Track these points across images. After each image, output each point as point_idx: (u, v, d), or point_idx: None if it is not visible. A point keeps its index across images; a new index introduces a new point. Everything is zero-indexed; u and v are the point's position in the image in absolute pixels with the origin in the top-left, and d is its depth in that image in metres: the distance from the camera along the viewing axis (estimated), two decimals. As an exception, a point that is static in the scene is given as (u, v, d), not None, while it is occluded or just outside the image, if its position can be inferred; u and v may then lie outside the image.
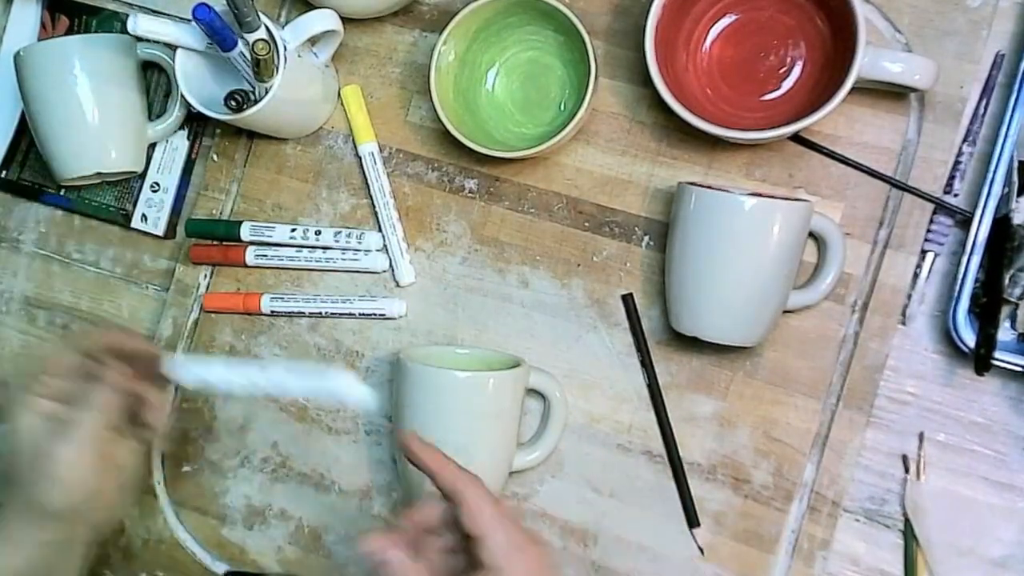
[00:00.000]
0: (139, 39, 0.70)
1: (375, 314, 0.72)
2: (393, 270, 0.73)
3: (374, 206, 0.73)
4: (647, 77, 0.64)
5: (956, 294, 0.62)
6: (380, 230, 0.73)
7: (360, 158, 0.74)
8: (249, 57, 0.66)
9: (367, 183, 0.74)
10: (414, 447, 0.55)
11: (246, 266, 0.75)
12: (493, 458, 0.66)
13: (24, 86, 0.73)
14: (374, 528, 0.54)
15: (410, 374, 0.65)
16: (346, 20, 0.70)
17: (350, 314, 0.73)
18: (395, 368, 0.67)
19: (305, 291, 0.74)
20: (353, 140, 0.74)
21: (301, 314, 0.74)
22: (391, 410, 0.72)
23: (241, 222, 0.75)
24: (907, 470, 0.65)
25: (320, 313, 0.73)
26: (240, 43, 0.66)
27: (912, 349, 0.66)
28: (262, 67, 0.66)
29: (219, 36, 0.64)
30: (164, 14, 0.77)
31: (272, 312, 0.74)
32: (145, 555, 0.75)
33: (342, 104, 0.75)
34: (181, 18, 0.77)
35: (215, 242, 0.76)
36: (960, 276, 0.62)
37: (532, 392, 0.69)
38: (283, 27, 0.69)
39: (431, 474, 0.54)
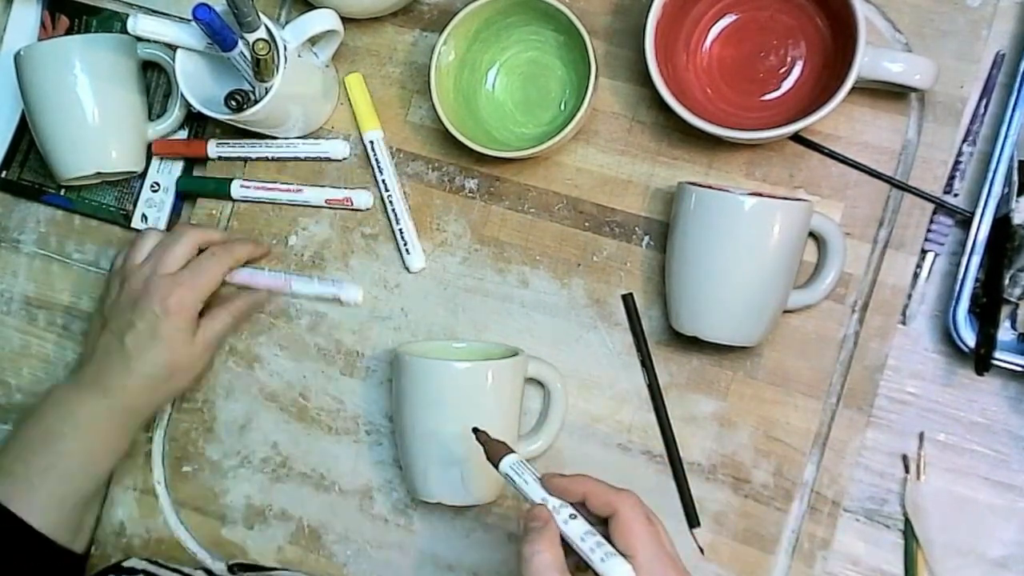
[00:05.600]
0: (139, 39, 0.70)
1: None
2: (403, 257, 0.73)
3: (381, 194, 0.73)
4: (647, 77, 0.64)
5: (956, 294, 0.62)
6: (389, 224, 0.73)
7: (365, 148, 0.74)
8: (249, 57, 0.66)
9: (373, 171, 0.74)
10: (561, 482, 0.53)
11: (208, 159, 0.77)
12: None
13: (24, 86, 0.73)
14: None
15: (409, 368, 0.65)
16: (346, 20, 0.70)
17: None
18: (394, 364, 0.67)
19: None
20: (358, 129, 0.74)
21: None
22: (391, 407, 0.72)
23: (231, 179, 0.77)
24: (907, 470, 0.65)
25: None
26: (240, 43, 0.66)
27: (912, 349, 0.66)
28: (262, 67, 0.66)
29: (219, 36, 0.64)
30: (164, 14, 0.77)
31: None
32: (145, 555, 0.75)
33: (345, 93, 0.75)
34: (181, 18, 0.77)
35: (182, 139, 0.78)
36: (960, 276, 0.62)
37: (531, 382, 0.69)
38: (283, 27, 0.69)
39: (584, 499, 0.52)
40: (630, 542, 0.50)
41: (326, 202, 0.74)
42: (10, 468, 0.66)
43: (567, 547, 0.51)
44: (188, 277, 0.69)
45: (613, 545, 0.50)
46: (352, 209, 0.74)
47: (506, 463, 0.54)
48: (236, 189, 0.76)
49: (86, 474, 0.68)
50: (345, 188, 0.74)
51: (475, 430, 0.57)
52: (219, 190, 0.76)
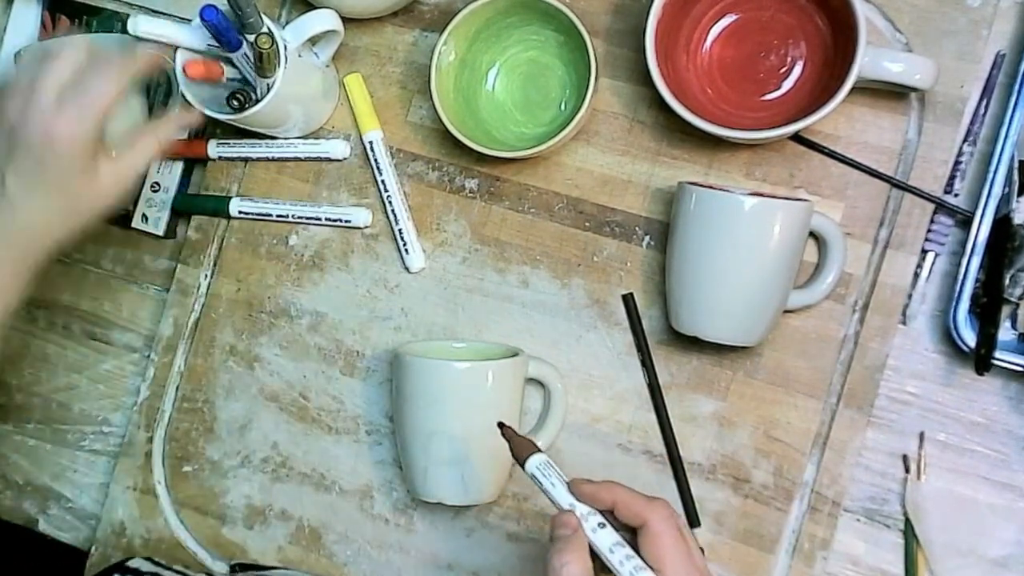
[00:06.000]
0: (139, 39, 0.70)
1: (340, 220, 0.74)
2: (403, 257, 0.73)
3: (380, 194, 0.73)
4: (647, 77, 0.64)
5: (956, 294, 0.62)
6: (389, 224, 0.73)
7: (365, 148, 0.74)
8: (251, 54, 0.66)
9: (372, 172, 0.74)
10: (589, 488, 0.51)
11: (208, 159, 0.76)
12: (495, 450, 0.66)
13: (24, 86, 0.73)
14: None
15: (409, 368, 0.65)
16: (346, 20, 0.70)
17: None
18: (394, 364, 0.67)
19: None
20: (357, 129, 0.74)
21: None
22: (391, 407, 0.72)
23: (229, 198, 0.76)
24: (907, 470, 0.65)
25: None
26: (243, 43, 0.66)
27: (912, 349, 0.66)
28: (265, 61, 0.65)
29: (225, 37, 0.64)
30: (164, 14, 0.77)
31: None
32: (146, 555, 0.75)
33: (345, 94, 0.75)
34: (181, 18, 0.77)
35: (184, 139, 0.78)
36: (960, 276, 0.62)
37: (531, 382, 0.69)
38: (283, 27, 0.69)
39: (613, 507, 0.50)
40: (660, 556, 0.48)
41: (324, 220, 0.74)
42: None
43: (592, 552, 0.49)
44: (72, 96, 0.56)
45: (641, 557, 0.49)
46: (352, 227, 0.74)
47: (532, 463, 0.52)
48: (234, 209, 0.76)
49: None
50: (343, 206, 0.74)
51: (501, 425, 0.55)
52: (217, 208, 0.76)
